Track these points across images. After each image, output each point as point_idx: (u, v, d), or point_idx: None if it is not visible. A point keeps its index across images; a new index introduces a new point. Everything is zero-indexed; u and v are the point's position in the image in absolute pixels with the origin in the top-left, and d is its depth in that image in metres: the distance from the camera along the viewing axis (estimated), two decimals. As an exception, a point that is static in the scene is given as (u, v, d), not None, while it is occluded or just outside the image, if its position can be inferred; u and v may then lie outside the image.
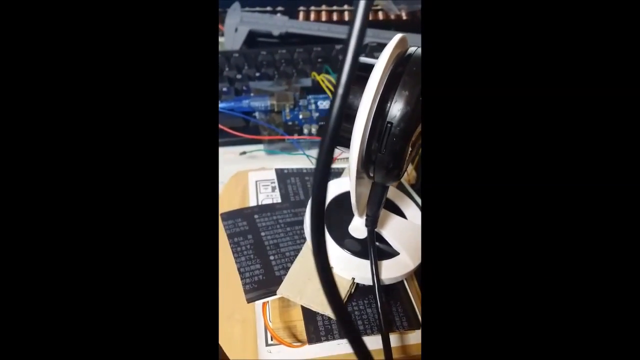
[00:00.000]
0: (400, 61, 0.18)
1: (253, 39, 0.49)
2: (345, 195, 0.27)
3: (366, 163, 0.19)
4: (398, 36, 0.18)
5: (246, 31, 0.48)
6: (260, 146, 0.36)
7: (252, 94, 0.39)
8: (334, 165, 0.33)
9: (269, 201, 0.29)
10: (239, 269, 0.24)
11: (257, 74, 0.44)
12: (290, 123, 0.37)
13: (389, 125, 0.17)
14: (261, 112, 0.38)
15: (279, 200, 0.29)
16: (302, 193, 0.30)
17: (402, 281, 0.25)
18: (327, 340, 0.22)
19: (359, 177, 0.20)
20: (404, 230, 0.26)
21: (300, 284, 0.23)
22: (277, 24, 0.48)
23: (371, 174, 0.20)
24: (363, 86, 0.18)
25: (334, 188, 0.28)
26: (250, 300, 0.23)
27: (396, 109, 0.17)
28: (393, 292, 0.24)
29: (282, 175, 0.31)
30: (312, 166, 0.32)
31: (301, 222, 0.27)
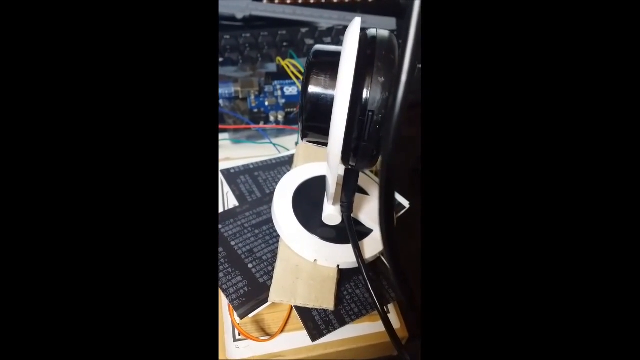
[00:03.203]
0: (365, 44, 0.18)
1: None
2: (307, 186, 0.27)
3: (345, 153, 0.19)
4: (358, 19, 0.18)
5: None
6: (226, 135, 0.34)
7: None
8: (284, 154, 0.32)
9: (233, 194, 0.28)
10: (220, 287, 0.23)
11: (221, 59, 0.40)
12: (255, 110, 0.35)
13: (370, 113, 0.17)
14: (225, 99, 0.36)
15: (247, 193, 0.28)
16: (257, 191, 0.29)
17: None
18: (329, 332, 0.22)
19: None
20: (372, 207, 0.27)
21: (290, 285, 0.23)
22: (240, 6, 0.45)
23: (352, 163, 0.19)
24: (333, 73, 0.18)
25: (293, 179, 0.27)
26: (243, 316, 0.22)
27: (375, 96, 0.17)
28: (374, 268, 0.25)
29: (230, 176, 0.29)
30: (260, 159, 0.31)
31: (267, 221, 0.26)
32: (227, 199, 0.28)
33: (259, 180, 0.29)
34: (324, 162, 0.29)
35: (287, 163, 0.31)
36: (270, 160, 0.31)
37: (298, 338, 0.22)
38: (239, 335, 0.22)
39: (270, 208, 0.27)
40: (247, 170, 0.30)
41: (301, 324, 0.22)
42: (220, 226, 0.25)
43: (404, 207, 0.29)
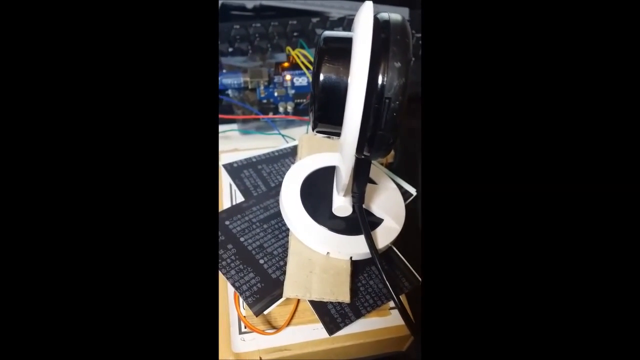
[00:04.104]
0: (378, 29, 0.17)
1: (226, 12, 0.45)
2: (314, 177, 0.26)
3: (359, 142, 0.18)
4: (370, 3, 0.17)
5: (218, 4, 0.43)
6: (234, 126, 0.34)
7: (224, 71, 0.36)
8: (286, 146, 0.31)
9: (238, 189, 0.28)
10: (233, 284, 0.22)
11: (230, 49, 0.40)
12: (265, 101, 0.35)
13: (387, 100, 0.16)
14: (234, 89, 0.35)
15: (252, 187, 0.28)
16: (262, 184, 0.28)
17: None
18: (346, 325, 0.22)
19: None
20: (381, 196, 0.26)
21: (304, 280, 0.22)
22: None
23: (366, 153, 0.19)
24: (346, 59, 0.17)
25: (299, 172, 0.26)
26: (258, 313, 0.21)
27: (392, 82, 0.16)
28: (387, 257, 0.25)
29: (234, 170, 0.28)
30: (263, 151, 0.30)
31: (275, 215, 0.26)
32: (235, 194, 0.27)
33: (262, 174, 0.29)
34: (329, 152, 0.28)
35: (290, 155, 0.30)
36: (273, 152, 0.30)
37: (304, 331, 0.22)
38: (245, 328, 0.22)
39: (276, 201, 0.26)
40: (250, 163, 0.29)
41: (308, 318, 0.22)
42: (227, 222, 0.25)
43: (412, 195, 0.29)
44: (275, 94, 0.36)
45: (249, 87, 0.36)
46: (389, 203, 0.26)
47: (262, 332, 0.21)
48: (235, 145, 0.31)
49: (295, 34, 0.43)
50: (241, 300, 0.22)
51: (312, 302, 0.22)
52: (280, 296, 0.22)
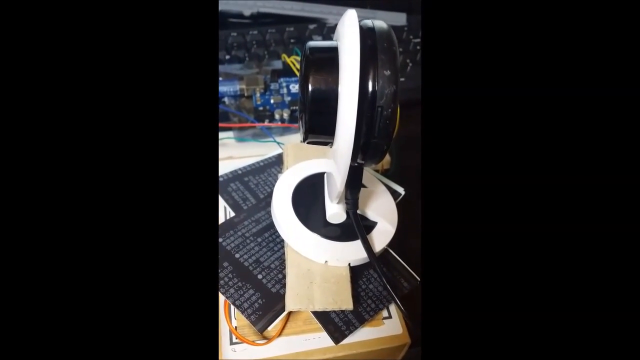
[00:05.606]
0: (363, 37, 0.17)
1: (223, 19, 0.45)
2: (303, 186, 0.26)
3: (353, 150, 0.18)
4: (353, 11, 0.17)
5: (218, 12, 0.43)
6: (230, 133, 0.33)
7: (220, 78, 0.36)
8: (270, 155, 0.30)
9: (227, 204, 0.27)
10: (233, 303, 0.22)
11: (227, 57, 0.40)
12: (261, 108, 0.35)
13: (379, 109, 0.16)
14: (230, 97, 0.35)
15: (241, 201, 0.27)
16: (251, 197, 0.28)
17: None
18: (351, 332, 0.22)
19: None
20: (372, 199, 0.26)
21: (305, 291, 0.22)
22: (247, 3, 0.45)
23: (359, 161, 0.19)
24: (334, 69, 0.17)
25: (288, 181, 0.26)
26: (262, 329, 0.21)
27: (383, 90, 0.16)
28: (384, 260, 0.25)
29: (220, 185, 0.28)
30: (246, 163, 0.30)
31: (268, 227, 0.25)
32: (227, 209, 0.27)
33: (250, 186, 0.28)
34: (315, 159, 0.28)
35: (275, 164, 0.30)
36: (259, 162, 0.30)
37: (296, 342, 0.22)
38: (236, 338, 0.21)
39: (268, 213, 0.26)
40: (236, 176, 0.29)
41: (300, 328, 0.22)
42: (221, 239, 0.24)
43: (400, 194, 0.29)
44: (272, 101, 0.35)
45: (245, 94, 0.35)
46: (381, 205, 0.26)
47: (253, 343, 0.21)
48: (230, 153, 0.31)
49: (292, 40, 0.43)
50: (232, 310, 0.22)
51: (315, 312, 0.22)
52: (283, 310, 0.22)
